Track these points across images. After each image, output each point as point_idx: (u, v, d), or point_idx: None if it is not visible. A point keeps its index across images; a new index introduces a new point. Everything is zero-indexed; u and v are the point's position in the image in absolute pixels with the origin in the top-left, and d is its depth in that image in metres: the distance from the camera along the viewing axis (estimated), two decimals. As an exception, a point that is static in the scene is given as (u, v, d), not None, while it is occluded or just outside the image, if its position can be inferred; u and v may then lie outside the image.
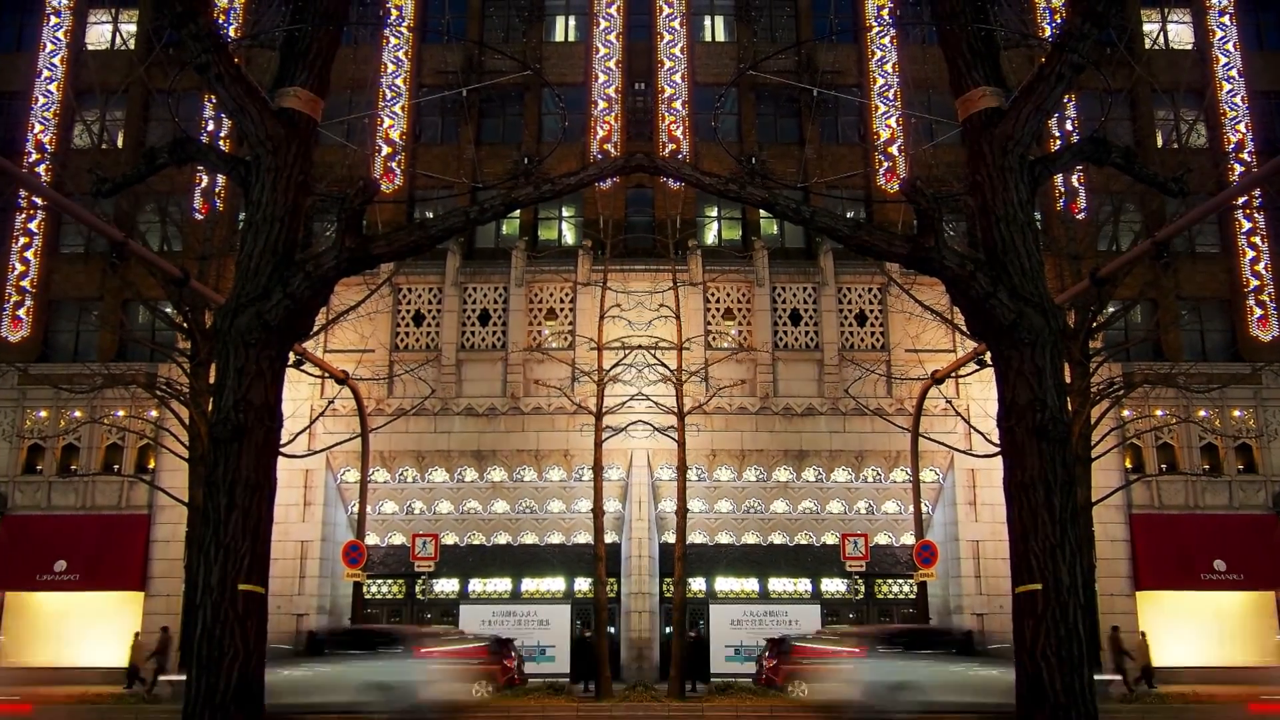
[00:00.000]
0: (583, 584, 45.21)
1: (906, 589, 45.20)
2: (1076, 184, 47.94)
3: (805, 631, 42.71)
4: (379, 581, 45.89)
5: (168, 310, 43.25)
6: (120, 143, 49.84)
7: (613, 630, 43.08)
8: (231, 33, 47.24)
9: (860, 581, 45.62)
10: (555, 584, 45.69)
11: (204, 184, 47.69)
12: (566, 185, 16.86)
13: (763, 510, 45.94)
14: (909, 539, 44.04)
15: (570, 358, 44.32)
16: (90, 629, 44.51)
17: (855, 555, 40.38)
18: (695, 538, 44.97)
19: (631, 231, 47.72)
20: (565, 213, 50.56)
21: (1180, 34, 52.17)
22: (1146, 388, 42.61)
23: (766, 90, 50.53)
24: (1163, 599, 44.73)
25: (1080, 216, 47.08)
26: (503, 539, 46.25)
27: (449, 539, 45.44)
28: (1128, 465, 45.14)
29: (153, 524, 44.30)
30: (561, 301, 46.24)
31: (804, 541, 45.95)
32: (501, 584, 45.84)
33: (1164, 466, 45.56)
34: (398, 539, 45.73)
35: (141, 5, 50.76)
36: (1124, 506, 44.33)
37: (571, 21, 52.73)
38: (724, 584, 45.59)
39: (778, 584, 45.78)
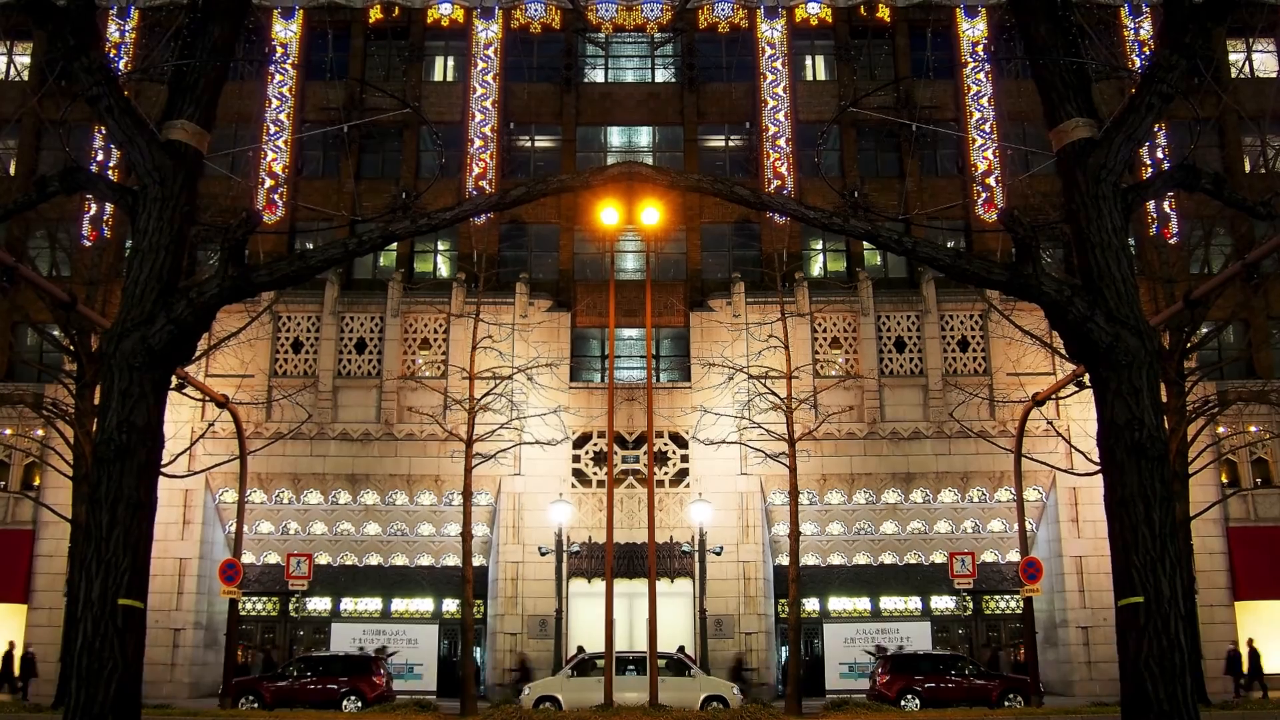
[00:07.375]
0: (451, 605, 45.42)
1: (1013, 604, 44.77)
2: (1168, 210, 47.47)
3: (917, 648, 42.51)
4: (254, 599, 46.05)
5: (55, 333, 43.72)
6: (12, 170, 50.25)
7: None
8: (122, 66, 47.87)
9: (968, 598, 45.26)
10: (424, 604, 45.94)
11: (93, 212, 48.24)
12: (443, 220, 16.59)
13: (873, 531, 45.73)
14: (1014, 556, 43.70)
15: (443, 386, 44.60)
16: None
17: (963, 573, 40.07)
18: (808, 559, 44.84)
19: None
20: (441, 246, 50.93)
21: (1265, 62, 51.60)
22: (1240, 405, 42.29)
23: (867, 126, 50.45)
24: (1260, 609, 44.01)
25: (1172, 241, 46.61)
26: (374, 560, 46.48)
27: (322, 559, 45.51)
28: (1224, 480, 44.51)
29: (37, 539, 44.50)
30: (435, 332, 46.63)
31: (913, 561, 45.68)
32: (372, 603, 46.13)
33: (1259, 481, 44.94)
34: (273, 558, 45.85)
35: (35, 38, 50.59)
36: (1221, 520, 43.77)
37: (450, 62, 53.03)
38: (837, 604, 45.42)
39: (889, 602, 45.53)
